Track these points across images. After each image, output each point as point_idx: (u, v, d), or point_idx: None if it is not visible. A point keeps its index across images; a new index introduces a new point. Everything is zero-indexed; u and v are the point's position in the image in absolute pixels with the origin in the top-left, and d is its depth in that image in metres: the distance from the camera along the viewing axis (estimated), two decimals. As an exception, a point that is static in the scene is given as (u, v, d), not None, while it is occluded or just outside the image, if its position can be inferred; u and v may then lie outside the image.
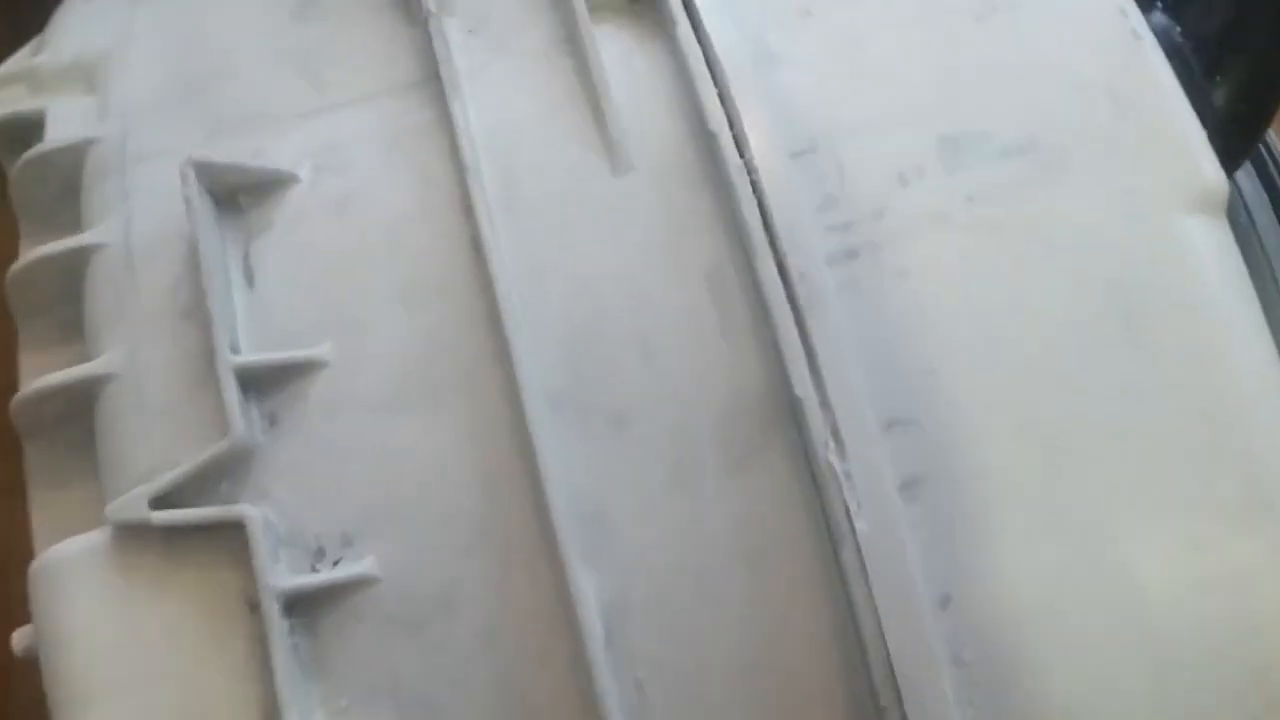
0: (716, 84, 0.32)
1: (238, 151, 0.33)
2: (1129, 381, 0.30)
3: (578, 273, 0.31)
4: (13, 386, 0.32)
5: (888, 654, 0.28)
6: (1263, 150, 0.38)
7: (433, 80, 0.33)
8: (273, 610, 0.28)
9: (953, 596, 0.29)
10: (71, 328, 0.33)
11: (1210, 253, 0.31)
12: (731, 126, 0.31)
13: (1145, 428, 0.30)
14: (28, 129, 0.36)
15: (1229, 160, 0.34)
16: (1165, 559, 0.29)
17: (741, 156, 0.31)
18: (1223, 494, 0.30)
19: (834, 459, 0.29)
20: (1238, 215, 0.38)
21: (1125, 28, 0.33)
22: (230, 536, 0.29)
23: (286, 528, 0.30)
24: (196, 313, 0.30)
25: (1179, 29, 0.34)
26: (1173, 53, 0.33)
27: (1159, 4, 0.35)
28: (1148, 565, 0.29)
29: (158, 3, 0.38)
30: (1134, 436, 0.30)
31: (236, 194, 0.32)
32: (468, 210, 0.31)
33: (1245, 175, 0.39)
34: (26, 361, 0.33)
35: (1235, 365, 0.30)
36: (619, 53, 0.33)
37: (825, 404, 0.29)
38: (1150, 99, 0.32)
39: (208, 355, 0.30)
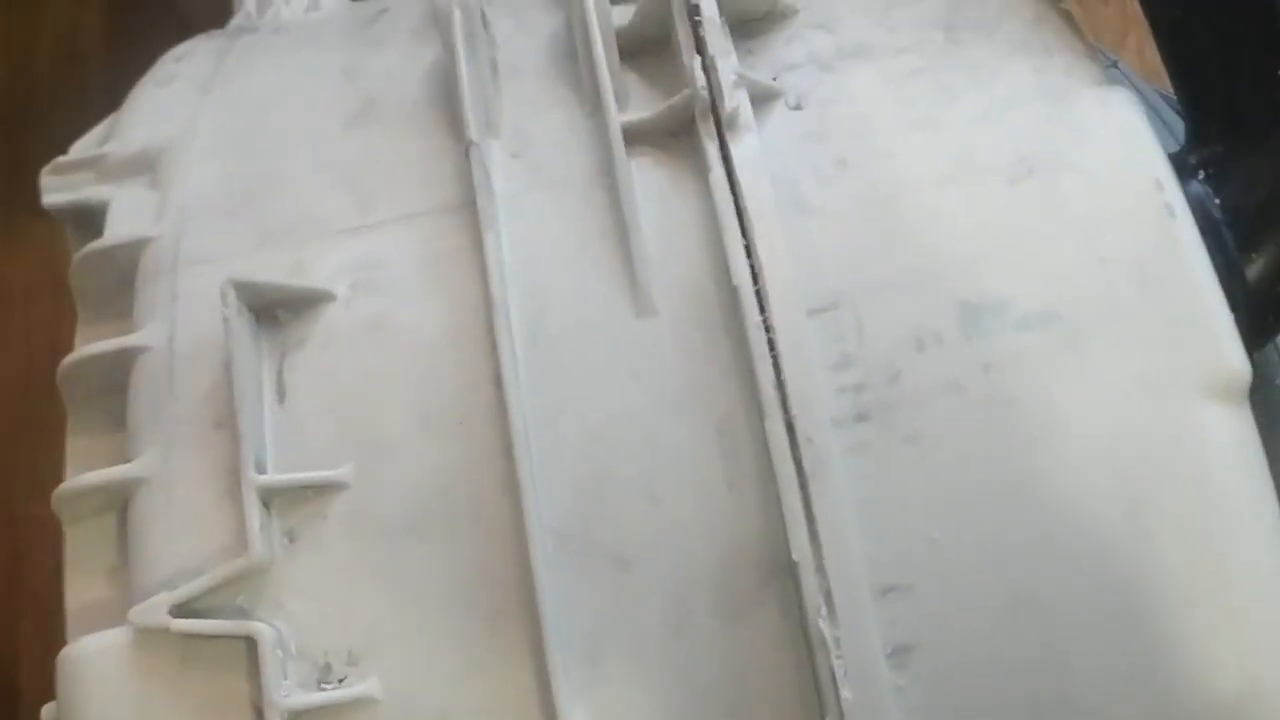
0: (744, 235, 0.32)
1: (280, 263, 0.34)
2: (1130, 567, 0.30)
3: (593, 413, 0.32)
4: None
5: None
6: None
7: (472, 205, 0.34)
8: (276, 727, 0.30)
9: (935, 766, 0.30)
10: (117, 417, 0.34)
11: (1227, 445, 0.31)
12: (755, 280, 0.32)
13: (1142, 614, 0.30)
14: (93, 214, 0.37)
15: (1259, 337, 0.34)
16: None
17: (761, 313, 0.31)
18: (1218, 687, 0.30)
19: (824, 624, 0.30)
20: (1273, 376, 0.38)
21: (1159, 202, 0.33)
22: (244, 646, 0.31)
23: (297, 642, 0.31)
24: (228, 425, 0.32)
25: (1217, 201, 0.34)
26: (1207, 228, 0.33)
27: (1200, 175, 0.34)
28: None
29: (224, 93, 0.39)
30: (1130, 621, 0.30)
31: (275, 308, 0.33)
32: (493, 343, 0.32)
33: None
34: (73, 446, 0.35)
35: (1240, 562, 0.30)
36: (654, 190, 0.34)
37: (820, 570, 0.30)
38: (1177, 279, 0.32)
39: (235, 469, 0.31)
